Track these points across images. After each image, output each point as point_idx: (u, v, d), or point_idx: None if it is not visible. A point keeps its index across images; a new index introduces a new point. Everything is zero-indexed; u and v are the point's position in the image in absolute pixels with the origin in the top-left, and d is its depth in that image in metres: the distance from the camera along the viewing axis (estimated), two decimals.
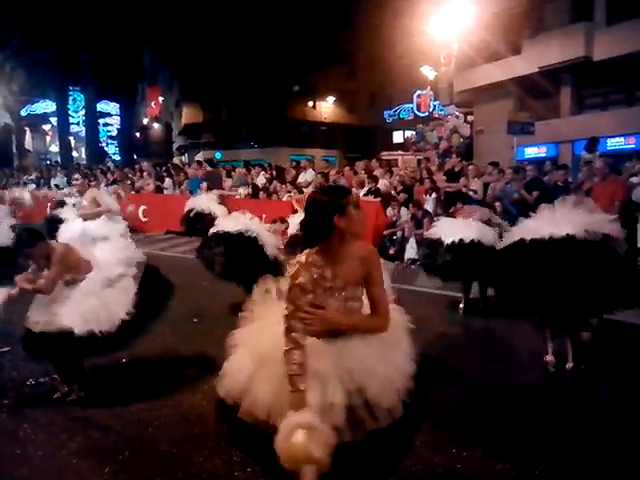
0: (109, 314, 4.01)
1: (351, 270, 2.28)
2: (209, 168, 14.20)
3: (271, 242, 6.10)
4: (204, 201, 10.61)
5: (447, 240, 6.20)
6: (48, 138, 42.41)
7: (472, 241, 6.04)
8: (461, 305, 6.59)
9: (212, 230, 6.40)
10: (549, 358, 4.73)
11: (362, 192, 11.01)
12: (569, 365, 4.64)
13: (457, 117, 22.59)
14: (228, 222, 6.40)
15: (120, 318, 4.03)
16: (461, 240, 6.08)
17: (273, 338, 2.28)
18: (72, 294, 4.06)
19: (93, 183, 7.61)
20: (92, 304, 4.01)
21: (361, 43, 33.78)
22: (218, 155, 32.34)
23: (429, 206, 10.61)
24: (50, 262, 4.02)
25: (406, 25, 23.82)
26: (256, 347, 2.34)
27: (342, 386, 2.16)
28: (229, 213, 9.48)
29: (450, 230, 6.33)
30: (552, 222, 4.40)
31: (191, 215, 10.44)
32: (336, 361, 2.20)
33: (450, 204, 9.14)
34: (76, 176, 7.24)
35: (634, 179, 8.22)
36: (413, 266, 9.64)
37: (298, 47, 32.42)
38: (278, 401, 2.18)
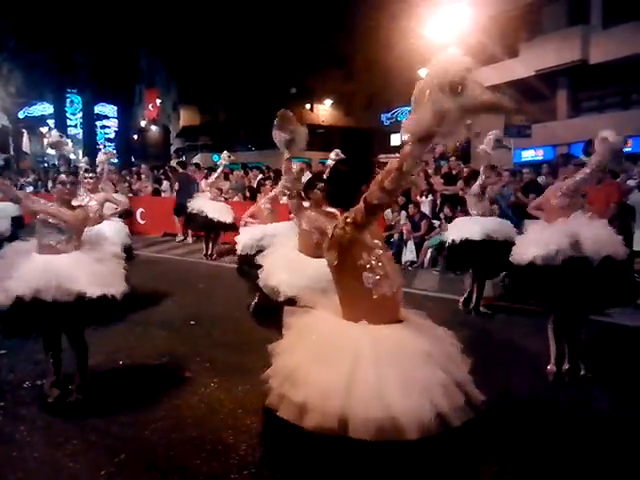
0: (113, 280, 4.11)
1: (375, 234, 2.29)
2: (181, 170, 14.39)
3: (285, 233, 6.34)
4: (199, 202, 10.83)
5: (448, 240, 6.77)
6: (45, 140, 42.37)
7: (461, 240, 6.48)
8: (461, 299, 6.89)
9: (239, 250, 6.57)
10: (550, 367, 4.73)
11: None
12: (565, 367, 4.67)
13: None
14: (246, 239, 6.53)
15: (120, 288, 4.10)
16: (453, 240, 6.61)
17: (345, 332, 2.12)
18: (82, 259, 4.11)
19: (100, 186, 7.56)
20: (100, 269, 4.10)
21: (358, 45, 33.83)
22: (216, 158, 32.33)
23: (424, 208, 10.63)
24: (71, 208, 4.24)
25: (403, 27, 23.87)
26: (335, 358, 2.03)
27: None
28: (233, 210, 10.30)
29: (452, 230, 6.80)
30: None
31: (187, 213, 11.18)
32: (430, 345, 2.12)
33: (454, 207, 9.44)
34: (90, 175, 6.96)
35: (631, 182, 8.24)
36: (410, 268, 9.66)
37: (295, 49, 32.47)
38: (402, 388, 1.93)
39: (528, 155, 20.66)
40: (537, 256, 4.43)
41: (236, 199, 13.03)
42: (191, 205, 10.82)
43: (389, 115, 34.23)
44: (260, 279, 4.50)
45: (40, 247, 4.14)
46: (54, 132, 6.24)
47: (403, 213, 10.52)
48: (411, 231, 10.04)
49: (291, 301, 3.99)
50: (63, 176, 4.27)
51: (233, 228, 10.35)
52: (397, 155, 2.45)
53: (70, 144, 9.63)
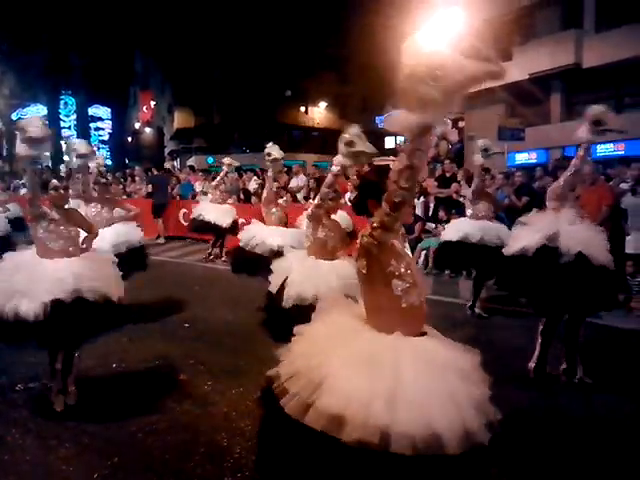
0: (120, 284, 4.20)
1: None
2: (156, 172, 15.16)
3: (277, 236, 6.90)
4: (200, 205, 11.09)
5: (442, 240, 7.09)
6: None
7: (453, 241, 6.68)
8: (468, 304, 6.92)
9: (241, 242, 7.13)
10: (530, 364, 4.81)
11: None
12: (562, 367, 4.71)
13: (445, 123, 22.63)
14: (249, 236, 7.10)
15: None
16: (445, 240, 6.87)
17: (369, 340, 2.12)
18: (99, 262, 4.14)
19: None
20: (112, 272, 4.18)
21: (353, 48, 33.89)
22: (210, 160, 32.30)
23: (417, 210, 10.64)
24: (65, 211, 4.22)
25: (398, 31, 23.96)
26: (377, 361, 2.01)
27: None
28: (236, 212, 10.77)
29: (447, 230, 7.03)
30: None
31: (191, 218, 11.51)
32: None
33: (448, 209, 9.62)
34: (103, 180, 6.81)
35: (624, 185, 8.28)
36: None
37: (290, 52, 32.52)
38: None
39: (522, 158, 20.72)
40: (519, 247, 4.57)
41: (230, 201, 13.00)
42: (195, 209, 11.02)
43: (383, 118, 34.28)
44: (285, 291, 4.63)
45: (46, 251, 4.03)
46: (79, 141, 6.31)
47: None
48: (405, 234, 10.04)
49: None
50: (55, 181, 4.25)
51: (230, 231, 10.37)
52: (391, 157, 2.47)
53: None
